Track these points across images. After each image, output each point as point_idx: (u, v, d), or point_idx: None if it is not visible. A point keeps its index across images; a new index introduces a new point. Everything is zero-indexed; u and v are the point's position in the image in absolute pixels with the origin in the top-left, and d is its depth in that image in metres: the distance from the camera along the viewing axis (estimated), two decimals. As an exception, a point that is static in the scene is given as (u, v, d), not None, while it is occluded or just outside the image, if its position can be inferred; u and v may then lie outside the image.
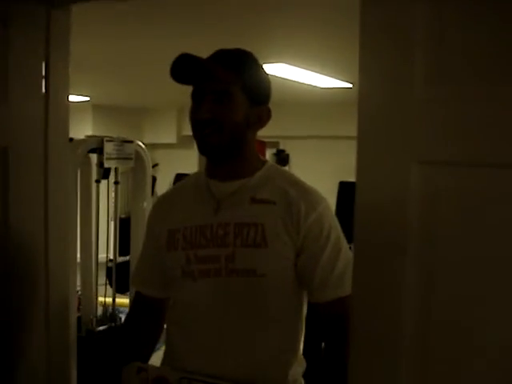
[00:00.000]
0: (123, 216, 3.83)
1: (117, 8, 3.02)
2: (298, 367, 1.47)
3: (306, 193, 1.44)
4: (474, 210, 0.95)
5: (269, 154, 7.80)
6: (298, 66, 4.80)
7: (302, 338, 1.50)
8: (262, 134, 1.53)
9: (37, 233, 1.62)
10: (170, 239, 1.47)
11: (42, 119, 1.59)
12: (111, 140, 2.83)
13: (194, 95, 1.41)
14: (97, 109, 8.21)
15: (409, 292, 0.99)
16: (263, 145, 7.29)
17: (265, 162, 1.51)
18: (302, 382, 1.49)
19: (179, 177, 7.21)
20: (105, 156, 2.79)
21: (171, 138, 8.57)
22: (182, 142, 8.39)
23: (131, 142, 2.95)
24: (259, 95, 1.44)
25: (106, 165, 2.81)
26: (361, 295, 1.06)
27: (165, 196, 1.63)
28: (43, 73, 1.57)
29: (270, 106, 1.46)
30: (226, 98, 1.37)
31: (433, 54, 0.97)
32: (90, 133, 7.53)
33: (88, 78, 5.98)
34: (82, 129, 7.32)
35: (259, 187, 1.44)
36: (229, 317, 1.40)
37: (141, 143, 3.07)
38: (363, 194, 1.05)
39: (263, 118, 1.45)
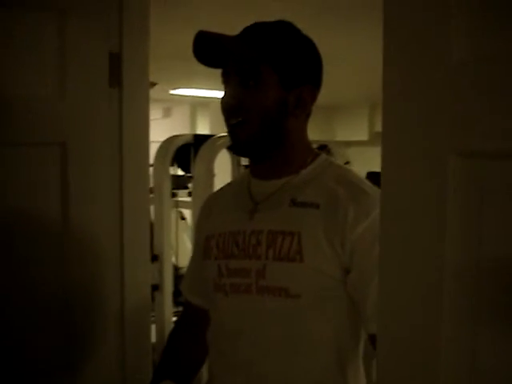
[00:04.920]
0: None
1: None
2: None
3: (360, 193, 1.13)
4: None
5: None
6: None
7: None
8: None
9: (108, 231, 1.53)
10: (205, 247, 1.28)
11: (112, 114, 1.50)
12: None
13: (222, 80, 1.19)
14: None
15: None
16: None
17: (317, 155, 1.24)
18: None
19: (370, 175, 6.99)
20: (242, 153, 2.69)
21: (363, 135, 8.30)
22: (374, 139, 8.07)
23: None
24: (297, 74, 1.17)
25: (243, 162, 2.71)
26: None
27: (210, 196, 1.44)
28: (108, 64, 1.46)
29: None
30: (252, 80, 1.13)
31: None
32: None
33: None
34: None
35: (303, 187, 1.17)
36: (259, 342, 1.15)
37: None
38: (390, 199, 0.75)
39: (305, 100, 1.18)
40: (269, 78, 1.13)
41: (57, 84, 1.40)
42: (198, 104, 7.98)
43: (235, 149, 1.20)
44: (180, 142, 3.05)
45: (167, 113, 8.61)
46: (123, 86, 1.49)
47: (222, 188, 1.43)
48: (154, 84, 3.52)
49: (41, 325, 1.44)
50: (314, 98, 1.20)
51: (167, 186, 2.98)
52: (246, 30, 1.17)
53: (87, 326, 1.52)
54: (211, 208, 1.36)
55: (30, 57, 1.38)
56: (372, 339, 1.11)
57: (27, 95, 1.38)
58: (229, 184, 1.42)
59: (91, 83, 1.45)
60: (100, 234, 1.51)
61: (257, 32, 1.16)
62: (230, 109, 1.15)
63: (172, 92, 6.44)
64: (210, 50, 1.14)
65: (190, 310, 1.41)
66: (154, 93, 6.48)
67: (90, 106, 1.45)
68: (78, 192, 1.45)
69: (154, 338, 2.79)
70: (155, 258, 2.96)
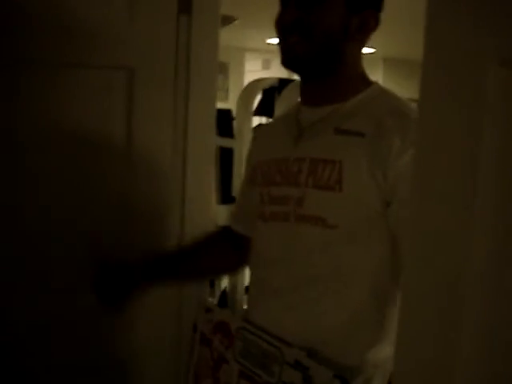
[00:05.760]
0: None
1: None
2: (384, 349, 1.10)
3: (408, 124, 1.04)
4: None
5: None
6: None
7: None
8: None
9: (171, 160, 1.55)
10: (252, 174, 1.27)
11: (181, 41, 1.49)
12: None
13: None
14: (388, 62, 7.94)
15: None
16: None
17: (371, 83, 1.17)
18: (387, 368, 1.08)
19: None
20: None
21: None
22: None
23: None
24: None
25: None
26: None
27: (262, 126, 1.42)
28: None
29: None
30: (316, 1, 1.08)
31: None
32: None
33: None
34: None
35: (351, 115, 1.11)
36: (293, 272, 1.13)
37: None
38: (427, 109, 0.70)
39: (368, 26, 1.12)
40: (333, 0, 1.09)
41: (126, 7, 1.41)
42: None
43: (287, 62, 1.15)
44: (265, 85, 3.02)
45: (266, 65, 8.56)
46: (193, 12, 1.48)
47: (274, 118, 1.41)
48: (232, 19, 3.44)
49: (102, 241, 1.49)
50: (376, 23, 1.14)
51: (248, 128, 2.97)
52: None
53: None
54: (261, 137, 1.36)
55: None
56: None
57: (96, 18, 1.41)
58: (280, 114, 1.40)
59: (160, 8, 1.45)
60: (163, 162, 1.53)
61: None
62: (290, 26, 1.10)
63: (269, 41, 6.37)
64: None
65: (227, 230, 1.42)
66: (250, 42, 6.40)
67: (159, 31, 1.46)
68: (143, 117, 1.47)
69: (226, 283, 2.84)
70: (233, 199, 3.00)
